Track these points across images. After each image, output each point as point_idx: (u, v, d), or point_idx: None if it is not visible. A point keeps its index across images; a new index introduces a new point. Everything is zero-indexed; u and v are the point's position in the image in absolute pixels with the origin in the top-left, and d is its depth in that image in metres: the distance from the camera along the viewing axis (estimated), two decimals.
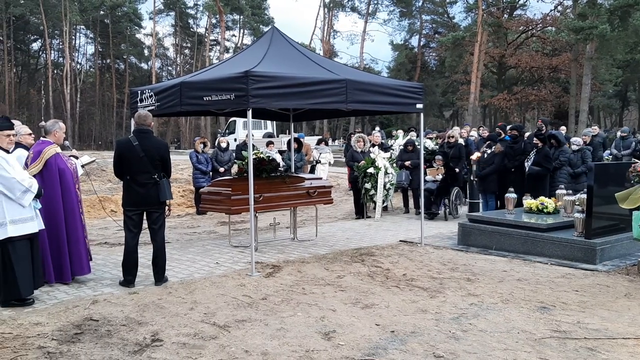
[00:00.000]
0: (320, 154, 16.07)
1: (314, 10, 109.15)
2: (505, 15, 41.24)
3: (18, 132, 6.57)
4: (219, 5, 46.43)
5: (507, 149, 10.39)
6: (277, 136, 28.72)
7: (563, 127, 15.18)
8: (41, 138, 6.28)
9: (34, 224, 5.46)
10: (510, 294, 5.78)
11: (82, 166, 6.75)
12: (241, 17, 55.53)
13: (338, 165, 20.81)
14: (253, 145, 7.88)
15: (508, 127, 11.27)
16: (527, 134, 11.96)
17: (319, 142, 17.46)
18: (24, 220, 5.34)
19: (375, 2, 54.03)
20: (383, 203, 11.84)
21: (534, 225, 7.78)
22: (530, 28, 40.68)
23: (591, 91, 33.46)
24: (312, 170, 15.70)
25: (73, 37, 55.12)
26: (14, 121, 7.27)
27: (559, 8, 39.92)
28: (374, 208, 11.80)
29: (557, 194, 9.01)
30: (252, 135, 8.46)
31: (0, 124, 5.46)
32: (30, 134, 6.68)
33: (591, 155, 10.69)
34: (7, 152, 5.42)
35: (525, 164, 10.05)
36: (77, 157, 6.72)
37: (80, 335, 4.55)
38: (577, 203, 7.97)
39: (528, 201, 8.63)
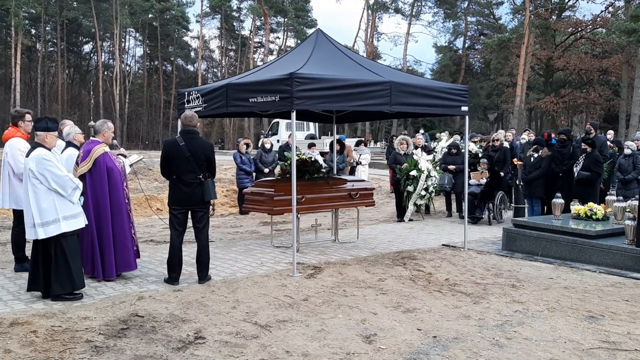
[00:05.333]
0: (360, 155, 16.05)
1: (357, 12, 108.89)
2: (553, 17, 40.25)
3: (70, 132, 6.79)
4: (263, 7, 46.93)
5: (555, 153, 10.14)
6: (319, 138, 28.78)
7: (611, 132, 14.67)
8: (90, 137, 6.46)
9: (82, 219, 5.65)
10: (556, 302, 5.64)
11: (130, 165, 6.91)
12: (285, 19, 55.97)
13: (380, 168, 20.72)
14: (296, 147, 7.92)
15: (558, 130, 11.00)
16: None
17: (357, 144, 17.42)
18: (74, 216, 5.53)
19: (420, 3, 53.65)
20: (425, 206, 11.73)
21: (582, 232, 7.56)
22: (580, 29, 39.54)
23: None
24: (352, 172, 15.68)
25: (123, 40, 56.69)
26: (66, 121, 7.55)
27: (610, 9, 38.72)
28: (417, 211, 11.69)
29: (607, 200, 8.74)
30: (295, 137, 8.51)
31: (51, 125, 5.61)
32: (81, 133, 6.88)
33: None
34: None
35: (575, 169, 9.78)
36: (125, 156, 6.88)
37: (126, 330, 4.66)
38: (628, 210, 7.71)
39: (576, 207, 8.40)
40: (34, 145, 5.55)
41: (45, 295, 5.54)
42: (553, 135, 11.13)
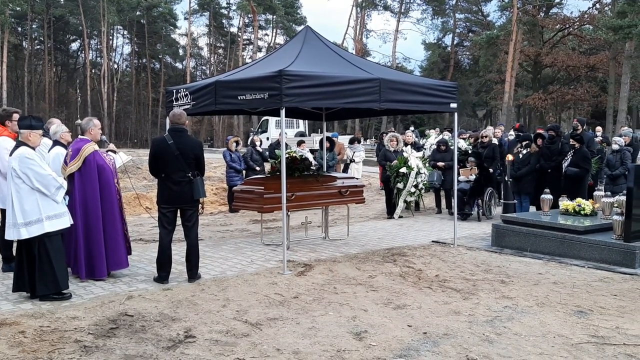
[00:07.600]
0: (354, 152, 16.06)
1: (346, 9, 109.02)
2: (541, 14, 40.48)
3: (57, 131, 6.73)
4: (252, 5, 46.75)
5: (544, 150, 10.20)
6: (309, 135, 28.75)
7: (599, 128, 14.81)
8: (78, 136, 6.40)
9: (67, 219, 5.58)
10: (545, 297, 5.67)
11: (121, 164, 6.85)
12: (274, 16, 55.85)
13: (370, 165, 20.73)
14: (286, 144, 7.90)
15: (546, 127, 11.08)
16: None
17: (351, 141, 17.44)
18: (58, 215, 5.45)
19: (408, 0, 53.72)
20: (415, 203, 11.76)
21: (571, 228, 7.62)
22: (567, 26, 39.82)
23: (630, 90, 32.60)
24: (346, 169, 15.69)
25: (110, 38, 56.31)
26: (53, 119, 7.48)
27: (597, 6, 38.98)
28: (406, 208, 11.72)
29: (595, 195, 8.81)
30: (285, 134, 8.49)
31: (35, 123, 5.54)
32: (68, 132, 6.82)
33: (631, 157, 10.41)
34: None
35: (563, 165, 9.84)
36: (115, 152, 6.81)
37: (115, 330, 4.63)
38: (615, 205, 7.77)
39: (564, 203, 8.46)
40: (18, 144, 5.47)
41: (32, 296, 5.49)
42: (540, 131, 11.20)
